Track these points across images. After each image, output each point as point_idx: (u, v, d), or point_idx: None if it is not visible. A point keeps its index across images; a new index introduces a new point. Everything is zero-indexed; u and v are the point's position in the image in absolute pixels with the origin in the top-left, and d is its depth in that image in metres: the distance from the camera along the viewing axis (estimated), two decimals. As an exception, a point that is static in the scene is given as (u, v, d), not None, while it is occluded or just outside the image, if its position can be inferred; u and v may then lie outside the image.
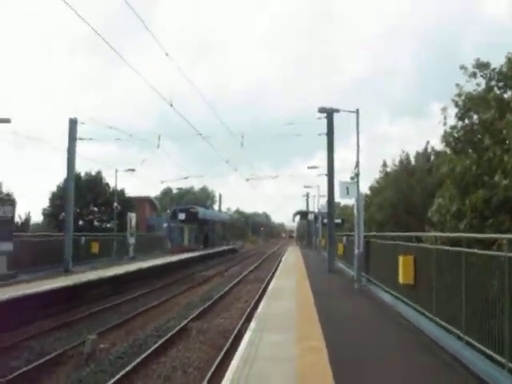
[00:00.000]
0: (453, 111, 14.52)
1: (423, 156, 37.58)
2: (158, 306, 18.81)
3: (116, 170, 34.45)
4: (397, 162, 39.08)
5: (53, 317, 15.91)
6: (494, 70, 14.72)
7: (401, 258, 11.60)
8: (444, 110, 14.54)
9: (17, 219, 25.90)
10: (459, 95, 13.81)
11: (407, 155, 38.49)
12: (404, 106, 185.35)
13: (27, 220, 32.76)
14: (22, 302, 15.05)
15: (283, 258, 38.87)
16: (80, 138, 24.58)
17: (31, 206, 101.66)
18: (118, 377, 9.40)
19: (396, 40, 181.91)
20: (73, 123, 24.48)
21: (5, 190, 29.18)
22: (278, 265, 32.48)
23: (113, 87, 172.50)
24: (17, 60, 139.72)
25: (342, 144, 61.71)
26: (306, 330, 10.19)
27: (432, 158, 36.29)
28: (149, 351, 11.36)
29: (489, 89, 14.55)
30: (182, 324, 14.57)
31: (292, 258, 38.00)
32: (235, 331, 13.42)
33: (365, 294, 16.45)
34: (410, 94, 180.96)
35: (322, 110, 22.89)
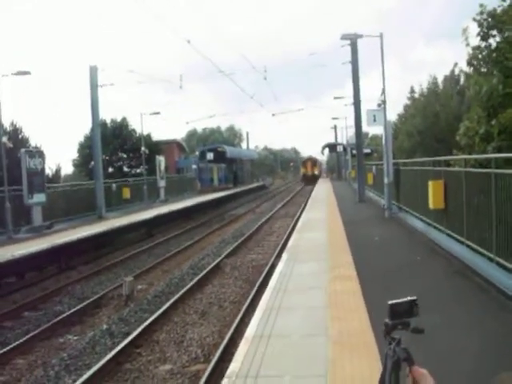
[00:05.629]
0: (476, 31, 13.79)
1: (451, 79, 36.39)
2: (192, 245, 19.18)
3: (141, 114, 34.36)
4: (425, 88, 38.06)
5: (91, 262, 16.46)
6: None
7: (430, 183, 11.46)
8: (465, 30, 13.84)
9: (48, 171, 26.26)
10: (481, 13, 13.07)
11: (435, 79, 37.38)
12: (439, 29, 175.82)
13: (58, 171, 33.26)
14: (62, 249, 15.51)
15: (313, 192, 38.88)
16: (101, 85, 24.46)
17: (61, 159, 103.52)
18: (157, 314, 9.73)
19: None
20: (93, 70, 24.31)
21: (33, 143, 29.47)
22: (308, 198, 32.55)
23: (130, 32, 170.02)
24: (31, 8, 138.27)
25: (377, 72, 59.73)
26: (337, 259, 10.29)
27: (462, 80, 35.14)
28: (185, 289, 11.69)
29: None
30: (216, 261, 14.87)
31: (322, 191, 37.98)
32: (268, 265, 13.65)
33: (396, 221, 16.42)
34: (446, 15, 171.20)
35: (344, 37, 22.06)
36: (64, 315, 10.37)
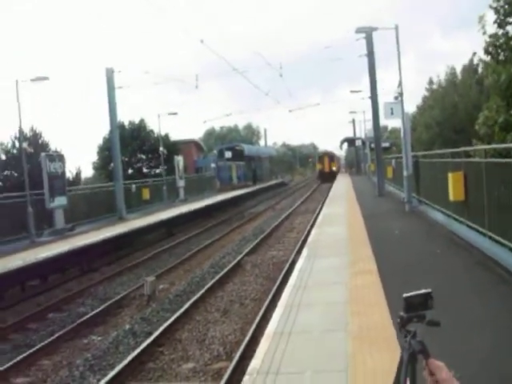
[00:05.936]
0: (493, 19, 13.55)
1: (469, 69, 35.87)
2: (212, 243, 19.24)
3: (158, 115, 34.51)
4: (442, 79, 37.60)
5: (113, 263, 16.62)
6: None
7: (450, 175, 11.33)
8: (481, 17, 13.60)
9: (68, 174, 26.54)
10: (498, 0, 12.84)
11: (453, 70, 36.92)
12: (456, 19, 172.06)
13: (78, 174, 33.60)
14: (84, 251, 15.67)
15: (333, 187, 38.69)
16: (119, 87, 24.65)
17: (81, 162, 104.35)
18: (178, 313, 9.79)
19: None
20: (110, 72, 24.51)
21: (53, 147, 29.77)
22: (327, 194, 32.42)
23: (144, 33, 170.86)
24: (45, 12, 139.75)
25: (393, 64, 58.48)
26: (358, 254, 10.24)
27: (480, 70, 34.63)
28: (206, 287, 11.74)
29: None
30: (237, 259, 14.90)
31: (341, 186, 37.77)
32: (289, 262, 13.64)
33: (416, 214, 16.26)
34: (463, 5, 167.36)
35: (359, 30, 21.83)
36: (87, 316, 10.50)
